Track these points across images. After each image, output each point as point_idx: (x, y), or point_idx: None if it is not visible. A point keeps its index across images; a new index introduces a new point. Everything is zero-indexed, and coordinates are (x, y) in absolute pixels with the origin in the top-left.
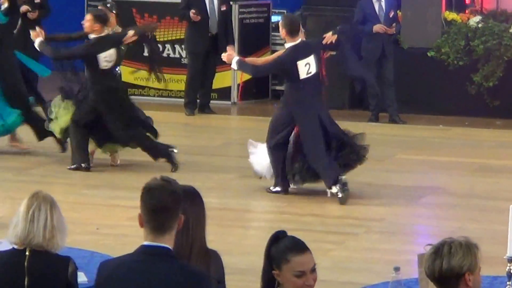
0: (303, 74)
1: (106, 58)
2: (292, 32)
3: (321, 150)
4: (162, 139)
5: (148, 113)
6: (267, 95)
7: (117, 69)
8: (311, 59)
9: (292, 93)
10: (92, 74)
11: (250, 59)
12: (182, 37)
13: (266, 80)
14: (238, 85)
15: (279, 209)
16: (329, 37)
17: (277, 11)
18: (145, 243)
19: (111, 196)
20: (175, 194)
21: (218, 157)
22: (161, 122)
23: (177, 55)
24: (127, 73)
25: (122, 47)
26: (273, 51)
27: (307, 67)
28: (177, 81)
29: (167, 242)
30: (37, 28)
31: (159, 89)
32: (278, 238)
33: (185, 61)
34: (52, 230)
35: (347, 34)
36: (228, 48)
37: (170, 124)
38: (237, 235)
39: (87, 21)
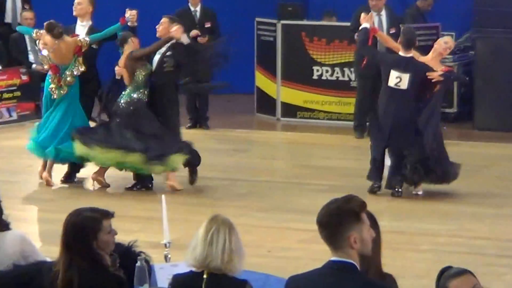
0: (391, 83)
1: None
2: (406, 44)
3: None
4: (332, 162)
5: (317, 136)
6: None
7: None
8: (405, 76)
9: (380, 95)
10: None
11: (383, 36)
12: (351, 60)
13: None
14: None
15: (450, 232)
16: (435, 75)
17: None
18: (332, 258)
19: (283, 219)
20: (333, 211)
21: None
22: (331, 145)
23: (346, 78)
24: (295, 96)
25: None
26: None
27: (397, 79)
28: (346, 104)
29: (347, 258)
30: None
31: (328, 112)
32: (442, 273)
33: (354, 84)
34: (231, 253)
35: (450, 84)
36: None
37: (340, 147)
38: (409, 258)
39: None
